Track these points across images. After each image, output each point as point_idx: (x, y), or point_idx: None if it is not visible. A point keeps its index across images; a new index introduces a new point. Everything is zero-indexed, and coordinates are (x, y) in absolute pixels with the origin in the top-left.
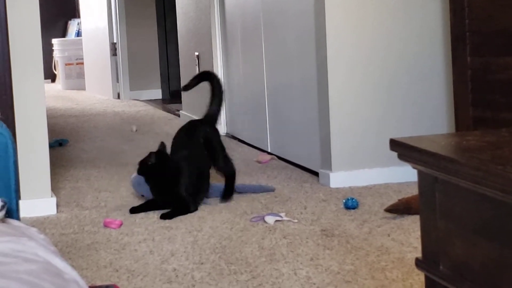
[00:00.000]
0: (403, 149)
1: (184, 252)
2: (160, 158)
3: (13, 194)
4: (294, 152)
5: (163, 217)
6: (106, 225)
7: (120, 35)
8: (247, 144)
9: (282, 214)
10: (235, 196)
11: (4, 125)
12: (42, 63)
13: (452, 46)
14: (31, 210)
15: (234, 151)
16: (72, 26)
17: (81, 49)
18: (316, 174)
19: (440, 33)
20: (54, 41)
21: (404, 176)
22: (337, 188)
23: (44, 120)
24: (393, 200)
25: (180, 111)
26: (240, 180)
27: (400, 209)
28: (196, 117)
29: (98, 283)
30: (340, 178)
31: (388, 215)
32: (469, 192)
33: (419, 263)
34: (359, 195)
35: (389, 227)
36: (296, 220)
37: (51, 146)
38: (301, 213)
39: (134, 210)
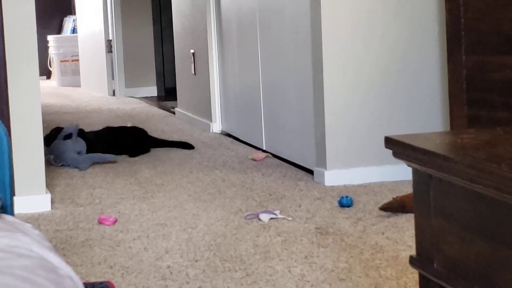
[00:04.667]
0: (398, 147)
1: (179, 249)
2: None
3: (8, 190)
4: (289, 150)
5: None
6: (100, 222)
7: (115, 32)
8: (242, 142)
9: (277, 212)
10: (230, 193)
11: None
12: (38, 59)
13: (447, 45)
14: (26, 206)
15: (229, 149)
16: (68, 23)
17: (77, 46)
18: (311, 172)
19: (436, 32)
20: (50, 37)
21: (399, 174)
22: (331, 186)
23: (39, 117)
24: (387, 198)
25: (175, 108)
26: (235, 178)
27: (394, 207)
28: (189, 114)
29: (93, 280)
30: (334, 176)
31: (383, 213)
32: (463, 190)
33: (413, 261)
34: (353, 193)
35: (384, 225)
36: (290, 218)
37: None
38: (296, 211)
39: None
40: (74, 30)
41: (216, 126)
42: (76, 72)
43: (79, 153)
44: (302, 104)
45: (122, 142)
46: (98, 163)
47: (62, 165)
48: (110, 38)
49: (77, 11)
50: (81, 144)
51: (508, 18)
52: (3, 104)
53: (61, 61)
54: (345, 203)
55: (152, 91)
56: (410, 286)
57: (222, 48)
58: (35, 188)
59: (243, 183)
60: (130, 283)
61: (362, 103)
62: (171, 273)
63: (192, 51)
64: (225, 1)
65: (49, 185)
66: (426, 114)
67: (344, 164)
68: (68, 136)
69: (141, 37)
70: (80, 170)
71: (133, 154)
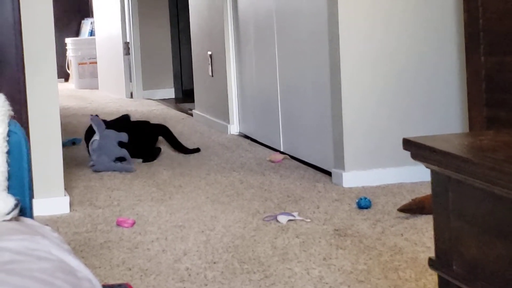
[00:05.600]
0: (416, 149)
1: (197, 251)
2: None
3: (27, 193)
4: (307, 152)
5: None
6: (119, 224)
7: (133, 34)
8: (260, 144)
9: (295, 214)
10: (248, 195)
11: (18, 124)
12: (56, 62)
13: (465, 46)
14: (45, 209)
15: (247, 151)
16: (86, 25)
17: (95, 48)
18: (329, 173)
19: (454, 32)
20: (68, 40)
21: (418, 175)
22: (350, 188)
23: (58, 119)
24: (406, 199)
25: (193, 110)
26: (253, 179)
27: (413, 208)
28: (207, 116)
29: (111, 282)
30: (353, 178)
31: (401, 215)
32: (482, 191)
33: (432, 263)
34: (372, 195)
35: (402, 227)
36: (309, 220)
37: (64, 145)
38: (314, 212)
39: None
40: (91, 33)
41: (234, 128)
42: (94, 74)
43: (116, 160)
44: (320, 106)
45: (136, 144)
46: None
47: (88, 148)
48: (128, 41)
49: (95, 13)
50: (124, 153)
51: None
52: (22, 107)
53: (79, 64)
54: (363, 205)
55: (170, 93)
56: None
57: (240, 50)
58: (53, 191)
59: (261, 185)
60: (149, 285)
61: (380, 104)
62: (189, 275)
63: (209, 52)
64: (242, 2)
65: (68, 188)
66: (444, 115)
67: (362, 165)
68: (122, 144)
69: (158, 39)
70: (93, 171)
71: (146, 160)
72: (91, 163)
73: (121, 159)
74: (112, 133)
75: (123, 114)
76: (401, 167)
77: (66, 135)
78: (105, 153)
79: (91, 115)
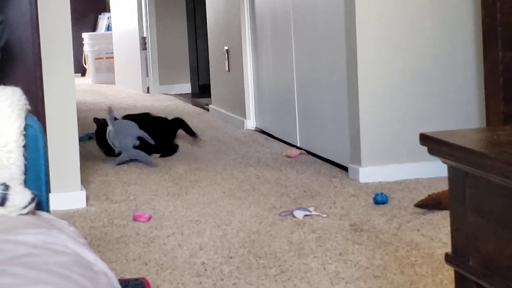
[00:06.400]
0: (433, 144)
1: (213, 246)
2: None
3: (43, 187)
4: (323, 147)
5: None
6: (135, 219)
7: (150, 29)
8: (276, 139)
9: (311, 209)
10: (264, 190)
11: (35, 118)
12: (72, 57)
13: (483, 41)
14: (61, 203)
15: (263, 146)
16: (103, 20)
17: (111, 43)
18: (345, 169)
19: (471, 27)
20: (85, 35)
21: (434, 171)
22: (366, 183)
23: (74, 114)
24: (423, 195)
25: (210, 105)
26: (269, 175)
27: (430, 204)
28: (223, 111)
29: (127, 276)
30: (369, 173)
31: (418, 210)
32: (499, 187)
33: (448, 258)
34: (388, 190)
35: (419, 222)
36: (325, 215)
37: (81, 139)
38: (330, 207)
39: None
40: (108, 28)
41: (250, 123)
42: (110, 69)
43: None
44: (337, 101)
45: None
46: (137, 160)
47: (109, 150)
48: (144, 35)
49: (112, 8)
50: (143, 134)
51: None
52: (39, 102)
53: (96, 59)
54: (380, 200)
55: (186, 88)
56: (445, 284)
57: (256, 45)
58: (70, 185)
59: (277, 180)
60: (165, 279)
61: (397, 100)
62: (205, 269)
63: (226, 47)
64: None
65: (84, 182)
66: (461, 110)
67: (378, 160)
68: (140, 139)
69: (175, 34)
70: (116, 164)
71: (163, 155)
72: (116, 151)
73: (141, 146)
74: (123, 121)
75: (144, 111)
76: (418, 162)
77: (82, 130)
78: (125, 132)
79: (95, 118)
